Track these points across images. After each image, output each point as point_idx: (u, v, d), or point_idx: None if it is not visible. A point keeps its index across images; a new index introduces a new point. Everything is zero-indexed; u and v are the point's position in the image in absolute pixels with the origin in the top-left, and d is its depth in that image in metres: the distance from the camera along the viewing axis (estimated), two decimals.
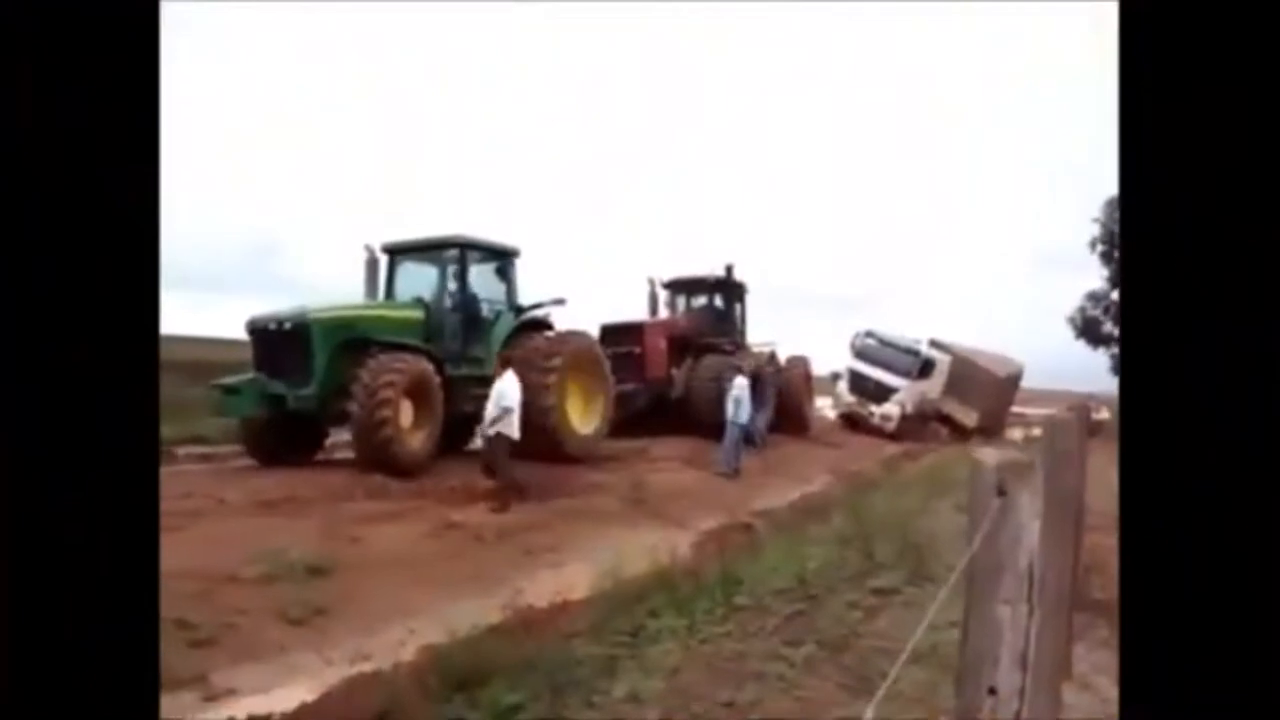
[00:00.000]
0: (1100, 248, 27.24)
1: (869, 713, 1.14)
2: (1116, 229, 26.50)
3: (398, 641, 5.89)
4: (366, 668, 5.36)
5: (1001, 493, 1.46)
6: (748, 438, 16.29)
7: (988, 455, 1.51)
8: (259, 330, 12.53)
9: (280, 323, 12.31)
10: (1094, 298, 28.25)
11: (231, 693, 4.90)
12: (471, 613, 6.31)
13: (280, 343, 12.30)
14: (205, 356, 11.08)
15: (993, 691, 1.42)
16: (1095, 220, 27.29)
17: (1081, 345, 28.69)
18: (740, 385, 15.67)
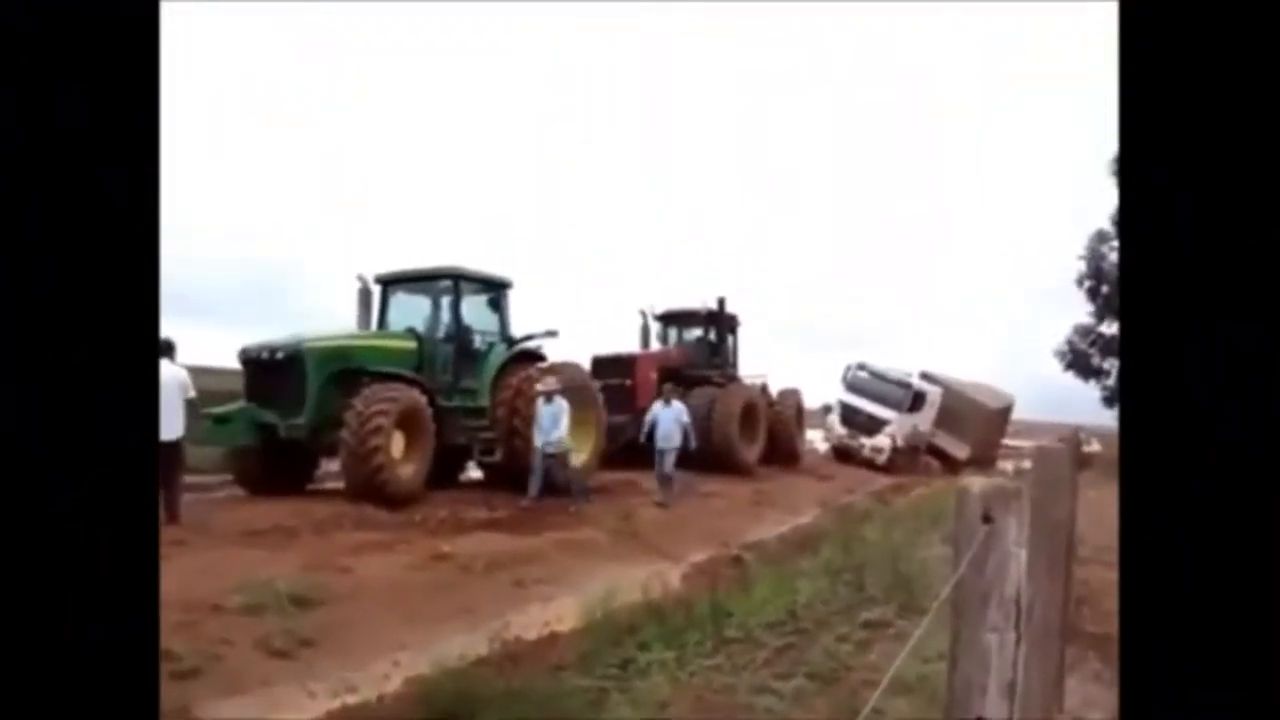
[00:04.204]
0: (1087, 283, 27.37)
1: None
2: (1101, 264, 26.67)
3: (383, 674, 5.83)
4: (351, 700, 5.29)
5: (988, 520, 1.45)
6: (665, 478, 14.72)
7: (974, 483, 1.50)
8: (252, 359, 12.50)
9: (273, 351, 12.29)
10: (1081, 332, 28.35)
11: None
12: (459, 644, 6.26)
13: (273, 372, 12.27)
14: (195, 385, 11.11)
15: None
16: (1080, 257, 27.46)
17: (1071, 377, 28.71)
18: (656, 411, 15.10)
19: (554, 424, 13.18)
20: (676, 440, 14.65)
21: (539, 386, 13.67)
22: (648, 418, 15.19)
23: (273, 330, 13.08)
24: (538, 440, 13.12)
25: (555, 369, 14.83)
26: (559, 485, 13.41)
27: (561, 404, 13.33)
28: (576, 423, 14.93)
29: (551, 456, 13.23)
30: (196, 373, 10.29)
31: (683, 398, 19.91)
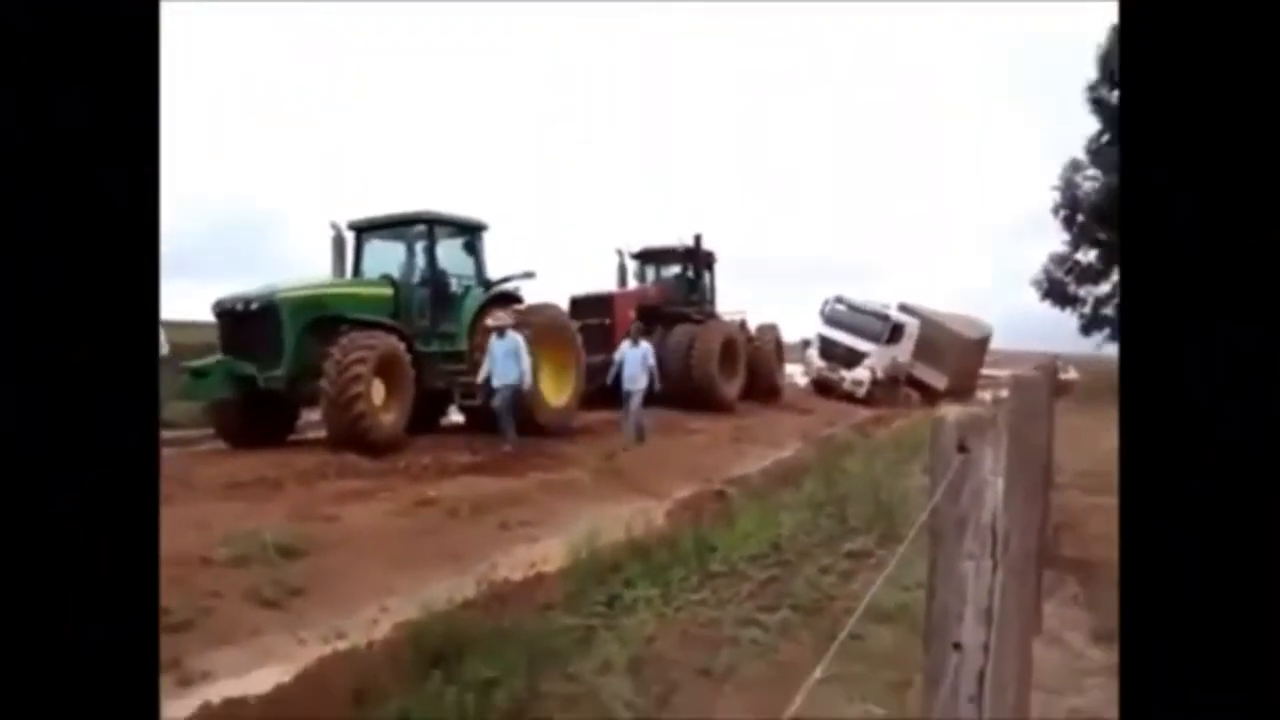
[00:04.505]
0: (1062, 212, 27.51)
1: (818, 672, 1.14)
2: (1076, 193, 26.78)
3: (372, 619, 5.88)
4: (341, 646, 5.34)
5: (963, 449, 1.46)
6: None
7: (949, 412, 1.51)
8: (226, 311, 12.40)
9: (248, 303, 12.19)
10: (1058, 260, 28.55)
11: (206, 676, 4.88)
12: (447, 588, 6.31)
13: (248, 323, 12.18)
14: (171, 340, 10.99)
15: (958, 647, 1.43)
16: (1055, 187, 27.56)
17: (1048, 306, 28.94)
18: (623, 352, 14.83)
19: (509, 360, 12.65)
20: (643, 382, 14.48)
21: (489, 321, 13.18)
22: (615, 358, 14.97)
23: (248, 282, 12.94)
24: (493, 379, 12.68)
25: (532, 310, 14.80)
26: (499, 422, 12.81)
27: (515, 339, 12.78)
28: (556, 364, 14.94)
29: (504, 393, 12.66)
30: (170, 327, 10.22)
31: (663, 335, 20.02)
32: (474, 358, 14.03)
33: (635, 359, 14.53)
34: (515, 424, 12.90)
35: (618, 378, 14.77)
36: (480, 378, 12.89)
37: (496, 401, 12.71)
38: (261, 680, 4.85)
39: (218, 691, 4.68)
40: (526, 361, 12.78)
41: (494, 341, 12.82)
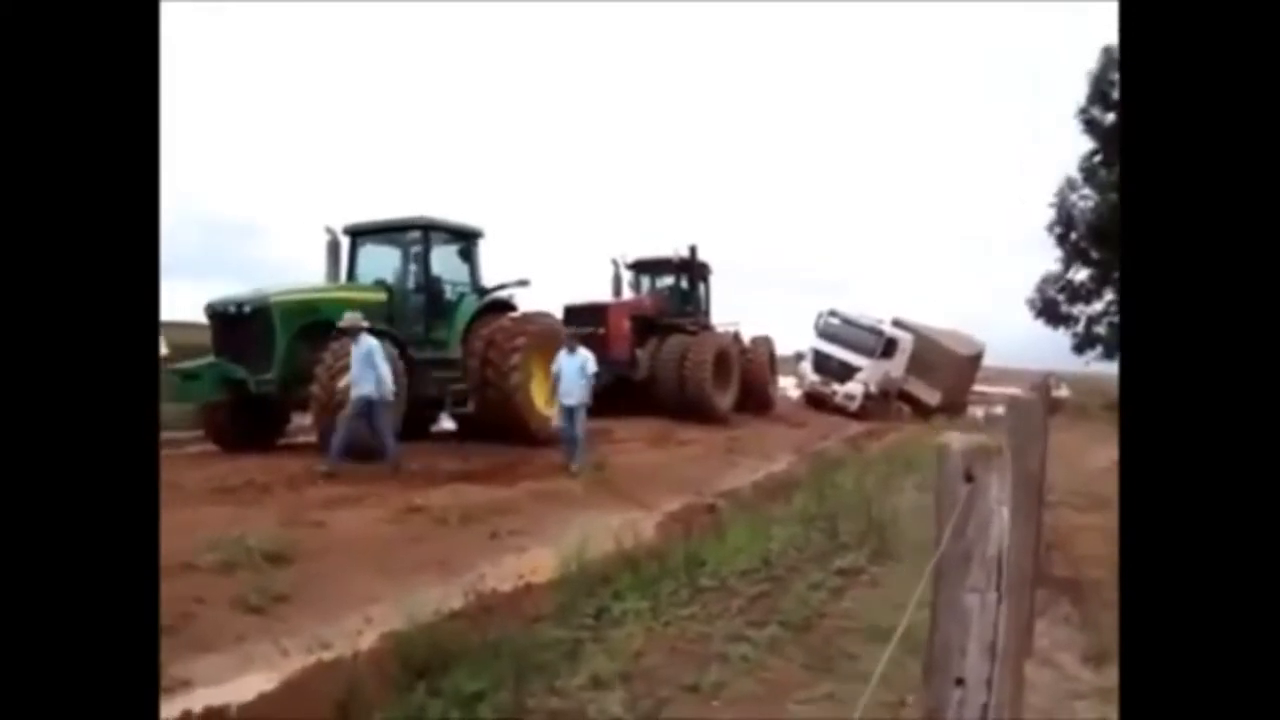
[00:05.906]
0: (1056, 230, 27.55)
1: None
2: (1071, 211, 26.85)
3: (357, 629, 5.81)
4: (326, 656, 5.27)
5: (969, 478, 1.42)
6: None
7: (954, 440, 1.47)
8: (219, 314, 12.35)
9: (240, 305, 12.16)
10: (1050, 279, 28.60)
11: (187, 684, 4.81)
12: (434, 597, 6.25)
13: (241, 326, 12.14)
14: (170, 341, 11.03)
15: (960, 682, 1.39)
16: (1050, 205, 27.60)
17: (1041, 325, 28.97)
18: (560, 361, 12.60)
19: (364, 367, 10.85)
20: (580, 395, 12.38)
21: (341, 324, 11.27)
22: (553, 369, 12.72)
23: (245, 285, 12.88)
24: (352, 390, 10.85)
25: (526, 318, 14.77)
26: (363, 444, 11.06)
27: (370, 343, 10.94)
28: (549, 373, 14.88)
29: (356, 404, 10.87)
30: (169, 328, 10.15)
31: (657, 346, 20.04)
32: (467, 365, 13.99)
33: (572, 369, 12.43)
34: (355, 444, 11.08)
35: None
36: (344, 387, 11.13)
37: (348, 410, 10.91)
38: (244, 689, 4.79)
39: (199, 700, 4.61)
40: (385, 369, 11.02)
41: (351, 347, 11.10)
